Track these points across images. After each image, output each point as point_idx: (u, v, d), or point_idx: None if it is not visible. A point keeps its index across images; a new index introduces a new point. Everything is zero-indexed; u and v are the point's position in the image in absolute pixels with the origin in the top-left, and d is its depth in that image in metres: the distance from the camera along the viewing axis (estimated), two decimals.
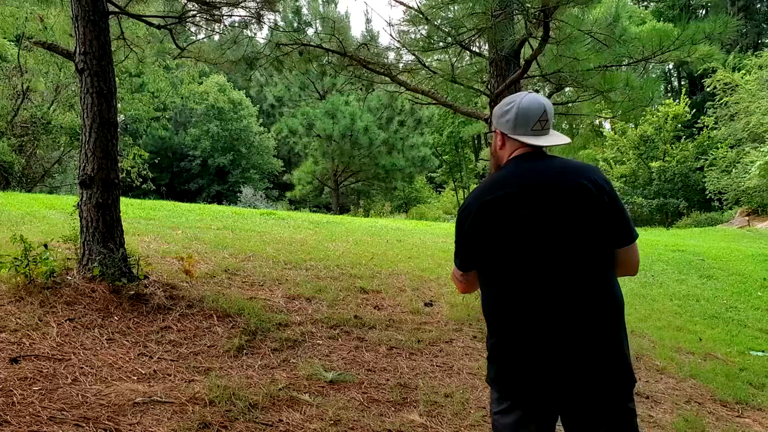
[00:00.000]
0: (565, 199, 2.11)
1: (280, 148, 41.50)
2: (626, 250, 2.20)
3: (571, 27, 5.60)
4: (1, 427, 3.01)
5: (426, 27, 6.49)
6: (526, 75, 6.03)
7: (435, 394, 4.34)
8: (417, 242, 10.91)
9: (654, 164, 29.15)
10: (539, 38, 5.61)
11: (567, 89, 7.82)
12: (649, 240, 16.90)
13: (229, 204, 28.85)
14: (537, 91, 7.63)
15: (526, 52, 6.46)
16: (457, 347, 5.53)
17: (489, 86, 6.54)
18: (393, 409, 3.98)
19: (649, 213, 28.65)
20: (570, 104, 7.86)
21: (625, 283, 10.01)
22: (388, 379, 4.50)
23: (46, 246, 5.28)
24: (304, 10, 24.37)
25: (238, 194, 33.25)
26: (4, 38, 25.34)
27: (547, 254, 2.11)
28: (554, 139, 2.27)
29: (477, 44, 7.22)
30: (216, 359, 4.49)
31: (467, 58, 7.57)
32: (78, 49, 5.52)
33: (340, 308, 6.20)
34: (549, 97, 7.42)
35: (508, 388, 2.17)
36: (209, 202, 26.71)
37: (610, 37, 6.12)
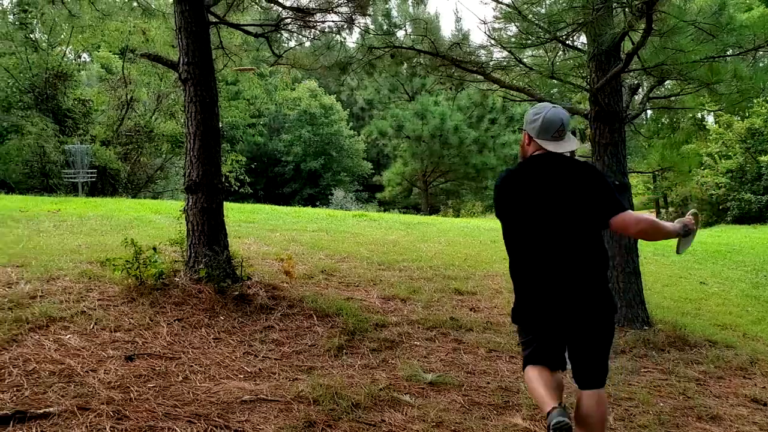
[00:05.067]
0: (563, 181, 2.94)
1: (369, 151, 41.91)
2: (620, 217, 2.89)
3: (674, 18, 5.35)
4: (121, 422, 3.16)
5: (520, 23, 6.37)
6: (626, 69, 5.82)
7: None
8: None
9: (763, 158, 27.37)
10: (640, 31, 5.39)
11: (668, 82, 7.50)
12: (761, 239, 15.99)
13: (321, 206, 29.39)
14: (638, 85, 7.36)
15: (626, 45, 6.23)
16: None
17: (588, 81, 6.35)
18: (495, 412, 3.91)
19: (758, 210, 26.86)
20: (672, 98, 7.51)
21: (735, 285, 9.47)
22: (488, 382, 4.43)
23: (155, 249, 5.52)
24: (394, 13, 24.47)
25: (330, 197, 33.77)
26: (110, 52, 26.84)
27: (549, 222, 2.92)
28: (566, 146, 3.02)
29: (571, 39, 7.03)
30: (317, 358, 4.56)
31: (561, 53, 7.38)
32: (182, 59, 5.74)
33: (436, 309, 6.18)
34: (650, 91, 7.15)
35: (524, 323, 3.10)
36: (303, 205, 27.28)
37: (715, 27, 5.81)
